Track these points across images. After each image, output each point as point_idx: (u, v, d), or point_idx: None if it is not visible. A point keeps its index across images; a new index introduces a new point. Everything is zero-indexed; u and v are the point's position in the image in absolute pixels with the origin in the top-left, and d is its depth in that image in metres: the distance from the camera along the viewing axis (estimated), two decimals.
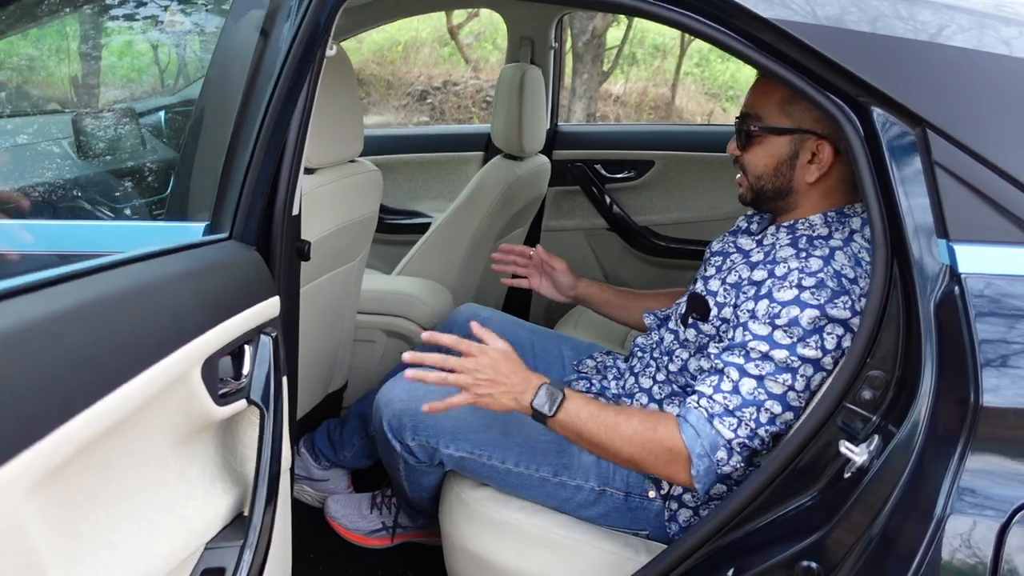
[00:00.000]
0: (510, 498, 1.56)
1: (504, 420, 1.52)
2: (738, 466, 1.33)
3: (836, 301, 1.27)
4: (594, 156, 2.97)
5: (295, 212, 1.37)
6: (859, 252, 1.35)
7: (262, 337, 1.10)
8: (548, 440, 1.51)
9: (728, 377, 1.33)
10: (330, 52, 1.33)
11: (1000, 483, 0.99)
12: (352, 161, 1.84)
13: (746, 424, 1.31)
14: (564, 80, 7.50)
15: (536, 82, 2.46)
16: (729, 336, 1.39)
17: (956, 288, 1.03)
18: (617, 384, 1.68)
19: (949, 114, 1.05)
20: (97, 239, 1.32)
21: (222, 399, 0.97)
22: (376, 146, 3.15)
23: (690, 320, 1.49)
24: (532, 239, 3.00)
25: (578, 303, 1.96)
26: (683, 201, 2.94)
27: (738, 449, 1.32)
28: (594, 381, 1.73)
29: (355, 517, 2.02)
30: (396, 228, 3.11)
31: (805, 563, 1.14)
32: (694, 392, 1.37)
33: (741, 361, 1.32)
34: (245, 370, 1.04)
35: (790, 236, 1.42)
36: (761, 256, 1.43)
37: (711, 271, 1.53)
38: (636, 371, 1.64)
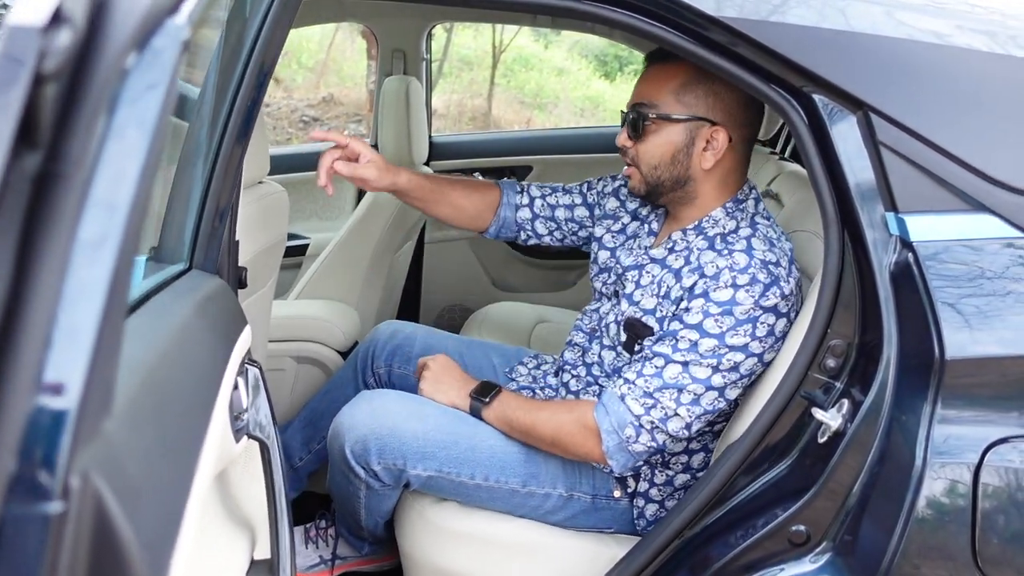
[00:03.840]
0: (473, 510, 1.54)
1: (471, 435, 1.51)
2: (651, 445, 1.39)
3: (767, 293, 1.34)
4: (472, 164, 2.99)
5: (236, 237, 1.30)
6: (767, 232, 1.43)
7: (250, 368, 1.03)
8: (515, 451, 1.51)
9: (652, 363, 1.39)
10: None
11: (970, 427, 1.10)
12: (260, 183, 1.75)
13: (662, 406, 1.36)
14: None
15: (418, 93, 2.46)
16: (662, 329, 1.44)
17: (909, 255, 1.13)
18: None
19: (888, 97, 1.15)
20: None
21: (236, 434, 0.90)
22: None
23: (636, 347, 1.49)
24: (416, 252, 2.97)
25: (396, 195, 1.75)
26: None
27: (648, 427, 1.37)
28: (536, 392, 1.74)
29: None
30: None
31: (795, 528, 1.21)
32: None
33: (668, 351, 1.38)
34: (244, 404, 0.98)
35: (704, 238, 1.46)
36: (681, 262, 1.46)
37: (631, 287, 1.53)
38: (574, 389, 1.64)
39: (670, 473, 1.53)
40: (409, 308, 3.03)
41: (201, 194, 1.10)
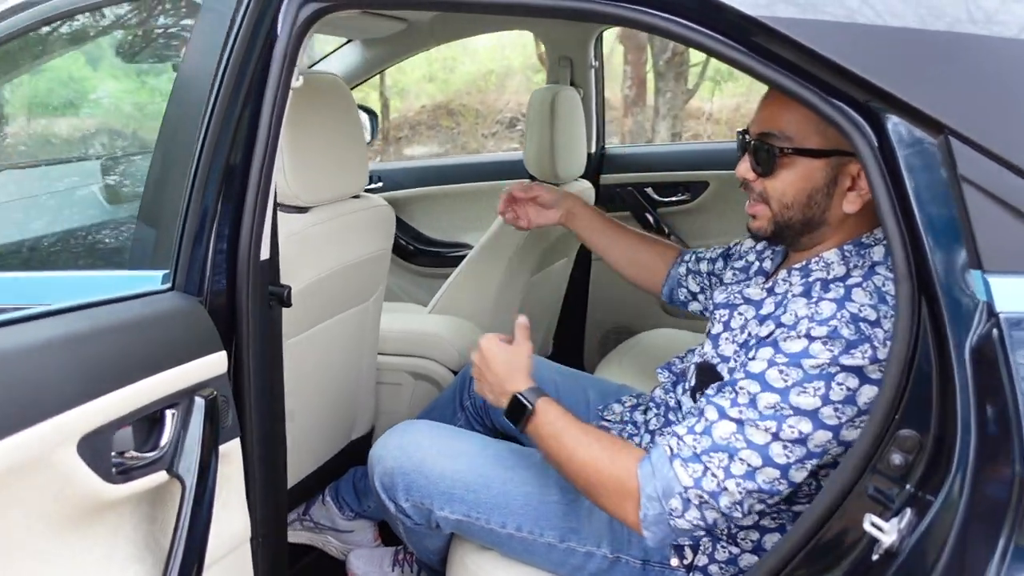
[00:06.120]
0: (514, 563, 1.41)
1: (504, 479, 1.38)
2: (697, 523, 1.14)
3: (853, 351, 1.07)
4: (644, 179, 2.80)
5: (265, 256, 1.27)
6: (883, 285, 1.13)
7: (196, 399, 0.99)
8: (553, 501, 1.36)
9: (704, 417, 1.16)
10: (296, 84, 1.24)
11: None
12: (356, 197, 1.74)
13: (712, 474, 1.11)
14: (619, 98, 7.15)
15: (571, 103, 2.31)
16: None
17: (994, 330, 0.84)
18: (635, 442, 1.50)
19: (977, 118, 0.86)
20: (47, 291, 1.27)
21: (122, 475, 0.86)
22: (423, 177, 3.08)
23: (698, 396, 1.29)
24: (582, 270, 2.84)
25: (568, 227, 1.86)
26: (742, 222, 2.71)
27: (696, 502, 1.12)
28: (623, 432, 1.56)
29: (376, 574, 1.90)
30: (441, 261, 3.01)
31: None
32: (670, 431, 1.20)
33: (725, 403, 1.14)
34: (164, 439, 0.94)
35: (803, 281, 1.22)
36: (772, 308, 1.24)
37: (718, 328, 1.33)
38: (652, 428, 1.47)
39: (735, 551, 1.29)
40: (572, 329, 2.91)
41: (182, 214, 1.08)
